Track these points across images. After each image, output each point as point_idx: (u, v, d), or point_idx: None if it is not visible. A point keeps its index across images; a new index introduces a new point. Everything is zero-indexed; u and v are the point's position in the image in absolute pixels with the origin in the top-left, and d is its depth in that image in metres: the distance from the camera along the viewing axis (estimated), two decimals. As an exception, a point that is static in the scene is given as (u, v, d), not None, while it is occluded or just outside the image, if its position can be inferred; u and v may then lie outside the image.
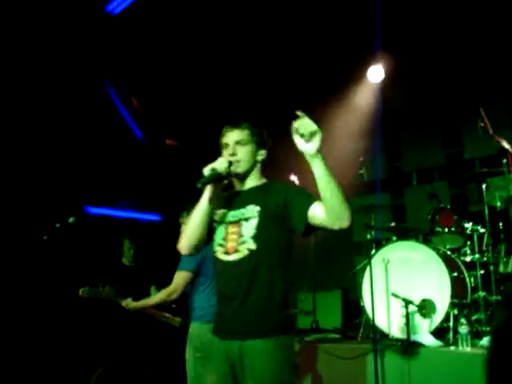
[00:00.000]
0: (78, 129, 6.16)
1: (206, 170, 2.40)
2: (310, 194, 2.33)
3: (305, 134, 2.14)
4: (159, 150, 7.27)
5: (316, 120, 2.16)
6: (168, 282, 3.66)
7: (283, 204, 2.36)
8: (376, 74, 6.43)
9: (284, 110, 6.56)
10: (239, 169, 2.46)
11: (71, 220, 4.16)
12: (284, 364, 2.25)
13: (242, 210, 2.43)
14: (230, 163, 2.43)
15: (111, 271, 5.19)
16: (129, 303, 3.80)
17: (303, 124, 2.15)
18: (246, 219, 2.39)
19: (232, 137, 2.50)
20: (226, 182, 2.52)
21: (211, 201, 2.44)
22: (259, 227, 2.35)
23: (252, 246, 2.33)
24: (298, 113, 2.15)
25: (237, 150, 2.47)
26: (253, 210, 2.40)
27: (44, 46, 5.47)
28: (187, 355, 3.55)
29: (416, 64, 6.09)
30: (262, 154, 2.53)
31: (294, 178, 5.68)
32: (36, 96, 5.74)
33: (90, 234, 5.99)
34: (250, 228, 2.36)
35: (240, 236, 2.37)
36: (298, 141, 2.18)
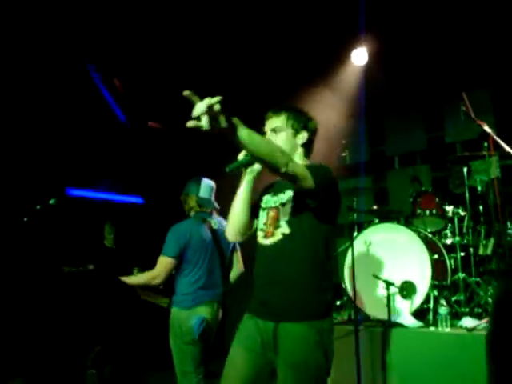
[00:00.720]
0: (59, 110, 6.08)
1: (240, 156, 2.43)
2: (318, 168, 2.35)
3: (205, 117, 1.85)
4: (141, 131, 7.21)
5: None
6: (150, 265, 3.65)
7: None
8: (360, 56, 6.41)
9: (268, 92, 6.58)
10: None
11: (52, 202, 4.12)
12: (316, 349, 2.26)
13: (281, 195, 2.47)
14: None
15: (92, 253, 5.17)
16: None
17: (196, 110, 1.86)
18: (283, 204, 2.44)
19: (269, 124, 2.54)
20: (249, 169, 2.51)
21: (248, 186, 2.50)
22: (293, 212, 2.39)
23: (286, 230, 2.38)
24: (186, 93, 1.87)
25: (272, 137, 2.50)
26: (288, 195, 2.45)
27: (24, 26, 5.36)
28: (170, 340, 3.56)
29: (399, 47, 6.08)
30: (301, 138, 2.53)
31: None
32: (16, 78, 5.63)
33: (71, 215, 5.94)
34: (285, 213, 2.41)
35: (277, 221, 2.42)
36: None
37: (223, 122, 1.88)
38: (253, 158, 2.23)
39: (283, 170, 2.09)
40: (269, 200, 2.54)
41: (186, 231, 3.58)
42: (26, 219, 4.02)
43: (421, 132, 6.97)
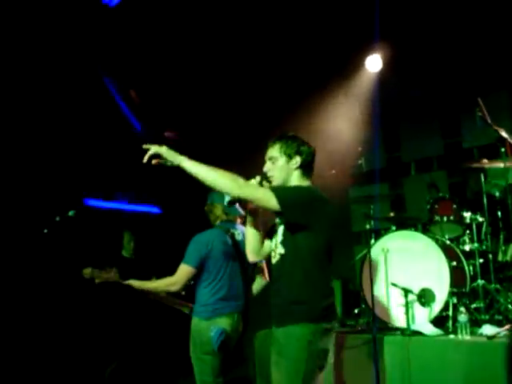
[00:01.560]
0: (77, 122, 6.15)
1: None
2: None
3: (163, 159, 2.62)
4: (158, 142, 7.26)
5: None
6: (168, 274, 3.67)
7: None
8: (374, 63, 6.42)
9: (283, 99, 6.61)
10: (274, 183, 2.79)
11: (71, 213, 4.16)
12: (305, 348, 2.52)
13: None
14: (264, 180, 2.78)
15: (111, 263, 5.20)
16: (130, 283, 3.75)
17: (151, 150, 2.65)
18: (280, 225, 2.74)
19: (267, 154, 2.85)
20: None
21: (253, 215, 2.85)
22: (285, 233, 2.69)
23: (281, 250, 2.69)
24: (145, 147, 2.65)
25: (269, 166, 2.81)
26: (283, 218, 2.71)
27: (42, 38, 5.46)
28: (190, 349, 3.56)
29: (414, 53, 6.08)
30: (295, 163, 2.80)
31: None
32: (35, 89, 5.73)
33: (90, 226, 6.00)
34: (280, 234, 2.72)
35: (276, 241, 2.75)
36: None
37: (168, 162, 2.62)
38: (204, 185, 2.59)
39: (235, 192, 2.53)
40: (278, 221, 2.80)
41: (208, 241, 3.60)
42: (45, 231, 4.06)
43: (437, 138, 6.94)
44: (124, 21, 5.70)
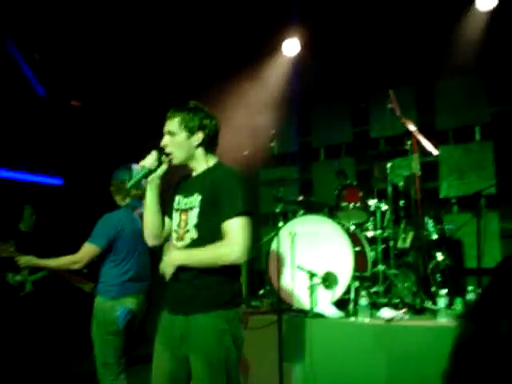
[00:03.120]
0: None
1: (137, 169, 2.60)
2: (233, 201, 2.42)
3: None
4: (63, 109, 6.89)
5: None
6: (69, 250, 3.51)
7: (215, 195, 2.46)
8: (291, 47, 6.44)
9: (198, 79, 6.46)
10: (174, 160, 2.57)
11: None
12: (224, 336, 2.40)
13: (191, 199, 2.54)
14: (163, 156, 2.54)
15: (7, 236, 4.88)
16: (29, 259, 3.55)
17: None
18: (191, 208, 2.51)
19: (166, 127, 2.57)
20: (164, 168, 2.58)
21: (153, 194, 2.59)
22: (200, 217, 2.48)
23: (194, 235, 2.48)
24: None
25: (168, 141, 2.55)
26: (196, 199, 2.51)
27: None
28: (92, 330, 3.45)
29: (331, 39, 6.16)
30: (196, 139, 2.55)
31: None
32: None
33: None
34: (193, 217, 2.49)
35: (186, 224, 2.51)
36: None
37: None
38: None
39: (239, 261, 2.40)
40: (180, 201, 2.60)
41: (117, 223, 3.50)
42: None
43: (347, 125, 7.13)
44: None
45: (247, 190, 2.48)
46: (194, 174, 2.64)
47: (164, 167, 2.57)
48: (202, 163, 2.59)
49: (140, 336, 3.78)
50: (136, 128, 6.55)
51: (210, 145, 2.60)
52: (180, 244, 2.52)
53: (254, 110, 6.78)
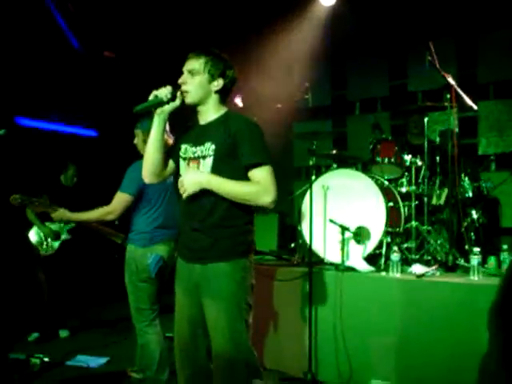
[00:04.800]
0: (9, 35, 5.70)
1: (150, 96, 2.46)
2: (259, 148, 2.45)
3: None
4: (96, 61, 6.89)
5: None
6: (104, 201, 3.55)
7: (234, 143, 2.46)
8: (328, -3, 6.23)
9: (230, 31, 6.36)
10: (188, 99, 2.52)
11: (1, 132, 3.90)
12: (241, 284, 2.49)
13: (201, 148, 2.53)
14: (178, 92, 2.49)
15: (48, 189, 4.99)
16: (62, 213, 3.61)
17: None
18: (204, 157, 2.50)
19: (187, 65, 2.53)
20: (175, 104, 2.50)
21: (160, 128, 2.54)
22: (214, 165, 2.47)
23: None
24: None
25: (187, 79, 2.51)
26: (209, 149, 2.50)
27: None
28: (126, 277, 3.53)
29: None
30: (217, 85, 2.53)
31: (237, 99, 5.54)
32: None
33: (22, 147, 5.70)
34: (206, 166, 2.48)
35: (197, 170, 2.51)
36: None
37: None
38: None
39: (268, 205, 2.41)
40: (188, 150, 2.59)
41: None
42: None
43: (384, 79, 6.95)
44: None
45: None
46: (203, 122, 2.60)
47: (176, 103, 2.51)
48: (212, 110, 2.57)
49: (171, 284, 3.86)
50: (169, 79, 6.52)
51: (225, 94, 2.58)
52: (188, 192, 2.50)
53: (288, 62, 6.65)
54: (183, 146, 2.62)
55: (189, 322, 2.59)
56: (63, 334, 5.34)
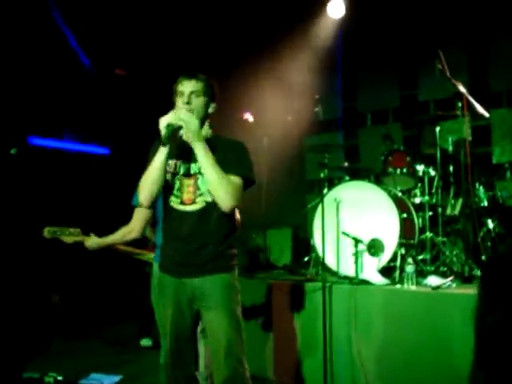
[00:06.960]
0: (22, 55, 5.78)
1: (163, 127, 2.45)
2: (244, 163, 2.62)
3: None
4: (108, 79, 6.95)
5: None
6: (122, 220, 3.43)
7: (226, 158, 2.58)
8: (336, 9, 6.24)
9: (241, 45, 6.40)
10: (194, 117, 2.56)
11: (13, 151, 3.94)
12: (237, 294, 2.67)
13: (196, 164, 2.58)
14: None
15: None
16: (96, 241, 3.45)
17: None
18: (202, 174, 2.56)
19: (188, 86, 2.58)
20: (181, 132, 2.51)
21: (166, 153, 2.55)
22: None
23: (208, 198, 2.57)
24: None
25: (191, 99, 2.57)
26: None
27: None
28: (152, 300, 3.35)
29: (377, 2, 5.95)
30: (213, 107, 2.66)
31: (247, 115, 5.54)
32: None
33: (34, 166, 5.74)
34: (205, 181, 2.56)
35: (197, 189, 2.58)
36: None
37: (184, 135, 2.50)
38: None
39: (225, 203, 2.54)
40: (180, 166, 2.62)
41: None
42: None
43: (394, 89, 6.91)
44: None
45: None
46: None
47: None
48: (205, 132, 2.63)
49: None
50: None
51: (211, 118, 2.69)
52: (190, 208, 2.58)
53: (297, 75, 6.64)
54: (171, 162, 2.61)
55: (177, 336, 2.65)
56: None
